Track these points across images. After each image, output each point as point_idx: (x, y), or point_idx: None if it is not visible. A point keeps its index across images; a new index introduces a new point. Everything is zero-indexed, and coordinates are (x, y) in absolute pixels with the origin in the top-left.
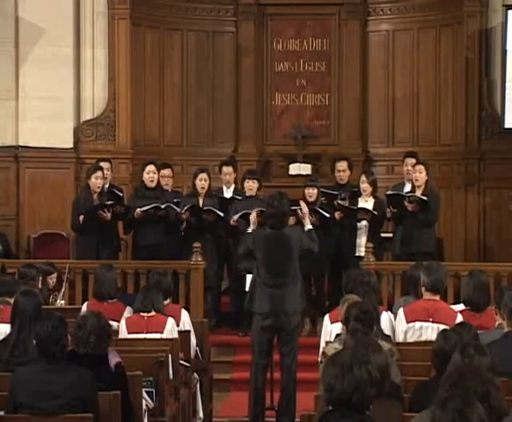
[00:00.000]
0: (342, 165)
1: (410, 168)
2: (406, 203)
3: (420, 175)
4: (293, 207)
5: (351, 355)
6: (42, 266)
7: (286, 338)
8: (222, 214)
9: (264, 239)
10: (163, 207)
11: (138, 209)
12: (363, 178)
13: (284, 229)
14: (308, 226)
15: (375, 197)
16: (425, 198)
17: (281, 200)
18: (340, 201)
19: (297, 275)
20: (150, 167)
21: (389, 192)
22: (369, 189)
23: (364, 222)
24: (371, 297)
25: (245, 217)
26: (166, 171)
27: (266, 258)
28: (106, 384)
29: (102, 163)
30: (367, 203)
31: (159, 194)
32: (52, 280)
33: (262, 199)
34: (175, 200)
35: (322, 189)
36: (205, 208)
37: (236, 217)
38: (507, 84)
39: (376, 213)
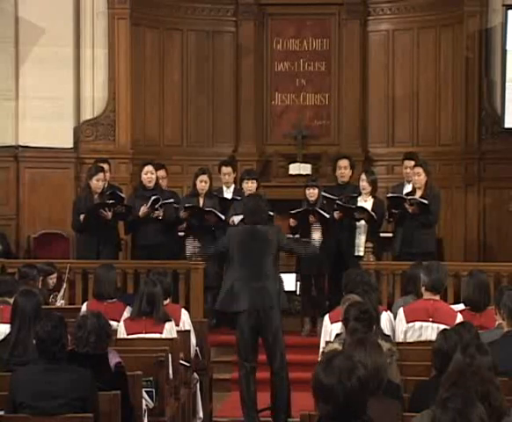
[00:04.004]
0: (344, 162)
1: (409, 170)
2: (407, 205)
3: (419, 177)
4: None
5: (338, 369)
6: (43, 267)
7: (271, 339)
8: (223, 217)
9: (239, 234)
10: (161, 202)
11: (143, 207)
12: (363, 176)
13: (260, 225)
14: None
15: (374, 197)
16: (425, 201)
17: (256, 198)
18: (339, 201)
19: (275, 271)
20: (148, 167)
21: (389, 195)
22: (369, 188)
23: (363, 222)
24: (371, 297)
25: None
26: (160, 173)
27: (242, 254)
28: (106, 384)
29: (102, 164)
30: (366, 203)
31: (158, 194)
32: (52, 280)
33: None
34: (171, 200)
35: (322, 193)
36: (207, 210)
37: (236, 221)
38: (507, 84)
39: (374, 215)
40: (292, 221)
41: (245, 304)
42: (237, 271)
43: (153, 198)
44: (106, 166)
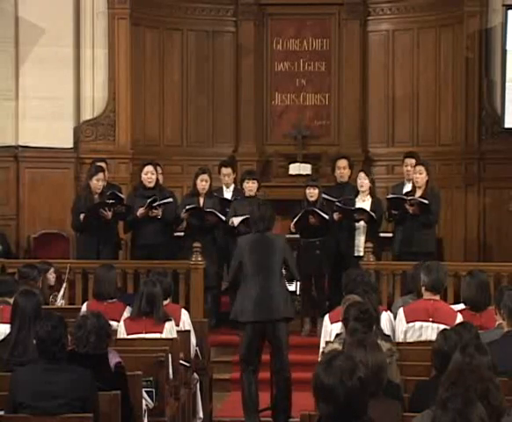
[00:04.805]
0: (343, 162)
1: (410, 168)
2: (407, 206)
3: (420, 176)
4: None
5: (339, 370)
6: (41, 266)
7: (276, 343)
8: (224, 218)
9: (249, 242)
10: (158, 202)
11: (141, 209)
12: (363, 174)
13: (268, 233)
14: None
15: (372, 196)
16: (426, 201)
17: (263, 207)
18: (338, 203)
19: (282, 279)
20: (148, 167)
21: (390, 196)
22: (367, 186)
23: (362, 222)
24: (371, 297)
25: (246, 222)
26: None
27: (252, 260)
28: (106, 384)
29: (101, 164)
30: (364, 203)
31: (157, 194)
32: (51, 275)
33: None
34: (169, 200)
35: (322, 195)
36: (207, 210)
37: (236, 222)
38: (507, 84)
39: (373, 214)
40: (293, 227)
41: (251, 316)
42: (248, 278)
43: (149, 200)
44: (104, 166)
